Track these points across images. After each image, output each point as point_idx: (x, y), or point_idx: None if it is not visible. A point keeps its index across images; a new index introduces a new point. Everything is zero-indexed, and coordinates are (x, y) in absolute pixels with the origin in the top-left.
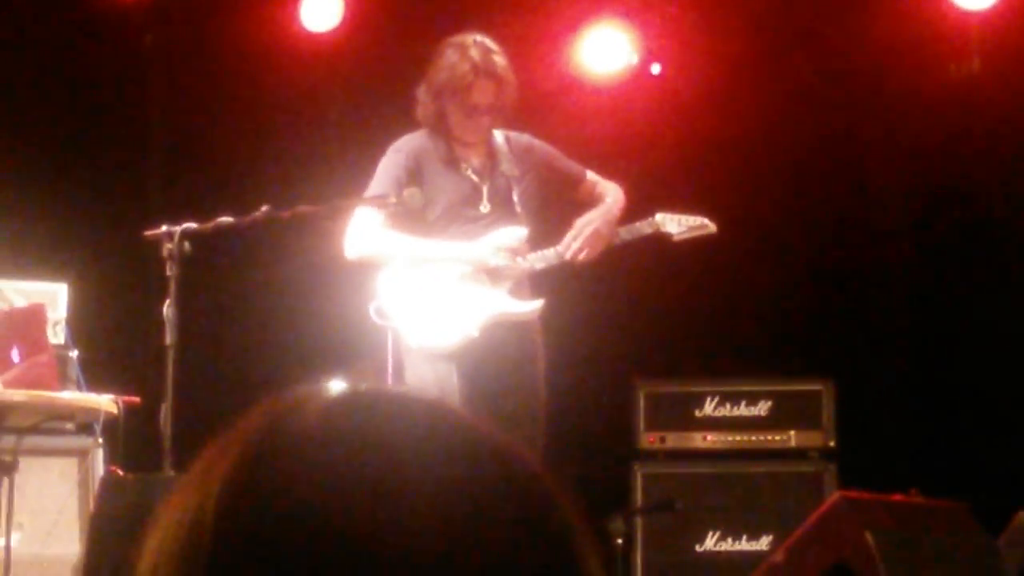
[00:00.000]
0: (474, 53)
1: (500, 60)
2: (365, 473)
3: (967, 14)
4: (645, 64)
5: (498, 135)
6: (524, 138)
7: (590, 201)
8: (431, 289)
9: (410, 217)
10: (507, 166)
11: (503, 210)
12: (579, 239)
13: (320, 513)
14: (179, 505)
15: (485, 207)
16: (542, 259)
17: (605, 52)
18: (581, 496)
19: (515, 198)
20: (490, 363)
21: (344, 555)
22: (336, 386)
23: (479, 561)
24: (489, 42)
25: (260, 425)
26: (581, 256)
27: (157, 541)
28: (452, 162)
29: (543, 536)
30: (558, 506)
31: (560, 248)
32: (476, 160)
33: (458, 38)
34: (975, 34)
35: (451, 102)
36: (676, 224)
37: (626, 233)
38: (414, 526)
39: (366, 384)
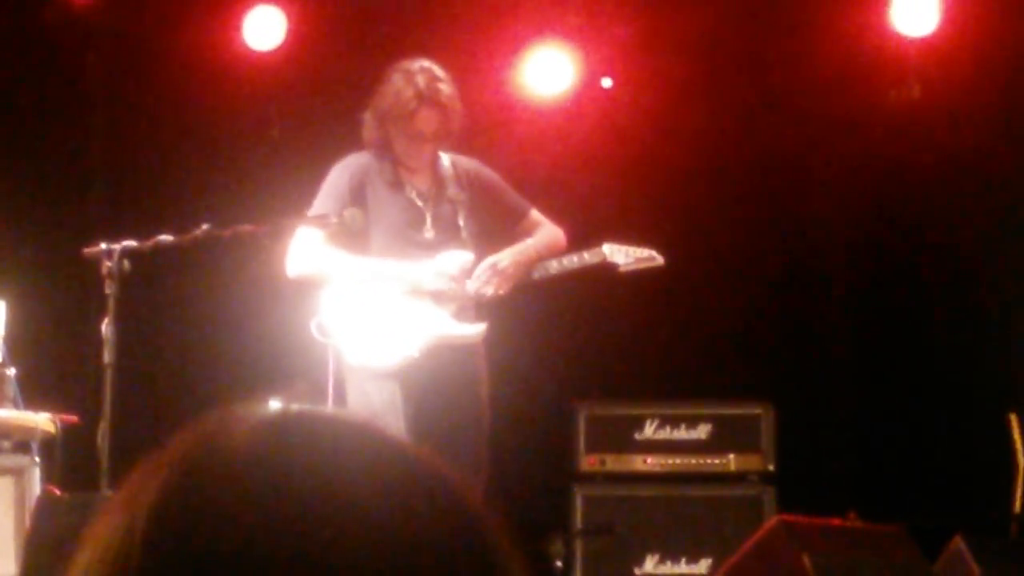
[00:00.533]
0: (419, 80)
1: (446, 88)
2: (293, 496)
3: (908, 40)
4: (590, 84)
5: (444, 159)
6: (472, 164)
7: (528, 238)
8: (373, 307)
9: (352, 237)
10: (453, 190)
11: (448, 235)
12: (485, 276)
13: (247, 536)
14: (107, 526)
15: (429, 232)
16: (471, 286)
17: (549, 73)
18: (521, 518)
19: (460, 222)
20: (433, 384)
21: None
22: (267, 406)
23: None
24: (436, 69)
25: (188, 446)
26: (488, 292)
27: (84, 562)
28: (397, 185)
29: (474, 564)
30: (490, 534)
31: (469, 283)
32: (421, 184)
33: (405, 64)
34: (915, 60)
35: (395, 127)
36: (623, 255)
37: (569, 263)
38: (341, 551)
39: (297, 405)
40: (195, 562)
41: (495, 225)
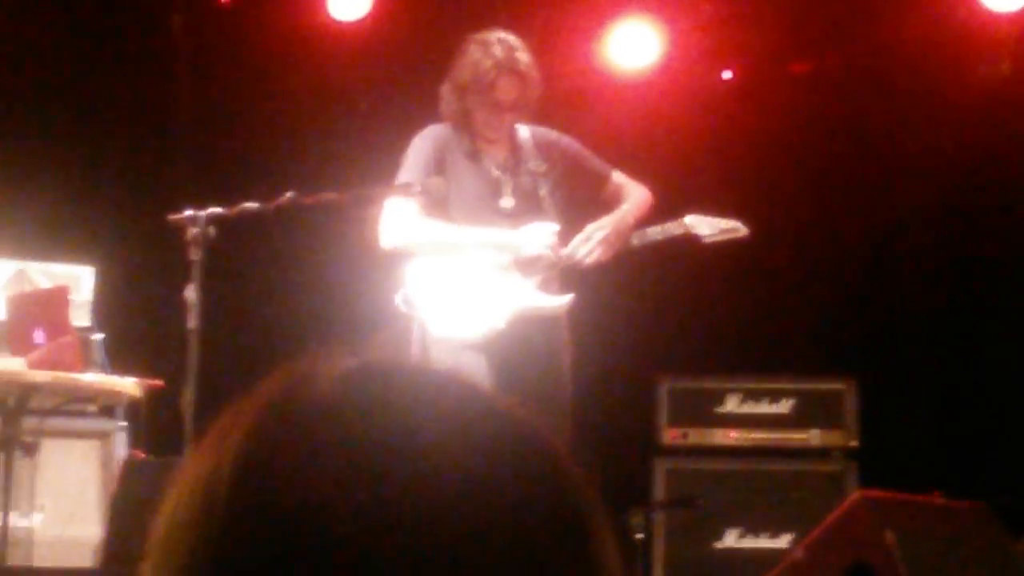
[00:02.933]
0: (497, 50)
1: (523, 57)
2: (378, 443)
3: (997, 16)
4: (675, 57)
5: (523, 130)
6: (551, 134)
7: (615, 202)
8: (459, 279)
9: (435, 207)
10: (533, 162)
11: (528, 205)
12: (588, 244)
13: (330, 482)
14: (194, 469)
15: (508, 202)
16: (563, 257)
17: (632, 47)
18: (602, 490)
19: (542, 193)
20: (517, 356)
21: (355, 523)
22: (354, 355)
23: (493, 534)
24: (512, 39)
25: (275, 392)
26: (588, 260)
27: (171, 507)
28: (475, 156)
29: (560, 514)
30: (577, 486)
31: (568, 251)
32: (500, 156)
33: (481, 35)
34: (1005, 36)
35: (475, 99)
36: (707, 227)
37: (655, 233)
38: (425, 499)
39: (382, 355)
40: (279, 505)
41: (579, 192)
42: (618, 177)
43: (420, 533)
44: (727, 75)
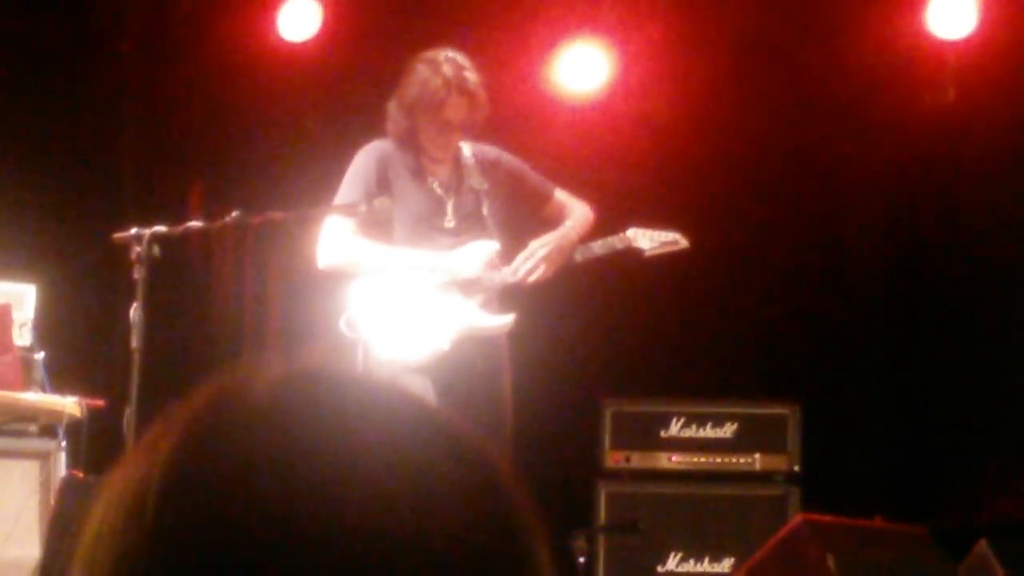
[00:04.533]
0: (446, 69)
1: (472, 76)
2: (311, 449)
3: (943, 44)
4: (622, 81)
5: (465, 148)
6: (492, 151)
7: (557, 219)
8: (402, 301)
9: (377, 226)
10: (475, 180)
11: (470, 223)
12: (530, 261)
13: (263, 488)
14: (124, 476)
15: (450, 222)
16: (509, 274)
17: (581, 69)
18: (545, 513)
19: (484, 211)
20: (461, 378)
21: (286, 532)
22: (288, 362)
23: (428, 543)
24: (461, 58)
25: (208, 398)
26: (531, 278)
27: (99, 514)
28: (419, 175)
29: (495, 523)
30: (513, 495)
31: (510, 268)
32: (443, 174)
33: (430, 53)
34: (951, 64)
35: (423, 118)
36: (648, 239)
37: (597, 248)
38: (359, 506)
39: (317, 362)
40: (209, 513)
41: (521, 209)
42: (560, 195)
43: (354, 543)
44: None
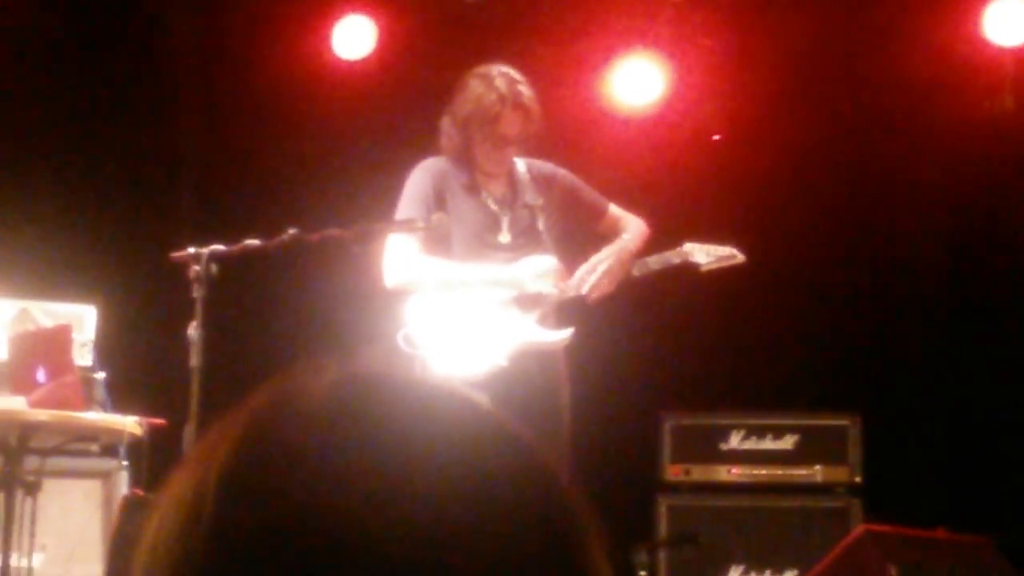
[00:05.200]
0: (500, 84)
1: (526, 91)
2: (368, 453)
3: (1000, 51)
4: (679, 95)
5: (520, 164)
6: (547, 166)
7: (612, 234)
8: (460, 317)
9: (437, 243)
10: (530, 196)
11: (526, 239)
12: (592, 275)
13: (321, 492)
14: (181, 481)
15: (505, 237)
16: (568, 289)
17: (636, 83)
18: (605, 527)
19: (540, 227)
20: (518, 393)
21: (344, 537)
22: (346, 365)
23: (484, 546)
24: (514, 72)
25: (263, 404)
26: (594, 293)
27: (156, 521)
28: (473, 191)
29: (552, 528)
30: (571, 501)
31: (572, 283)
32: (497, 190)
33: (483, 68)
34: (1009, 71)
35: (478, 133)
36: (704, 254)
37: (654, 263)
38: (417, 508)
39: (374, 365)
40: (266, 518)
41: (576, 225)
42: (615, 210)
43: (409, 545)
44: (716, 137)
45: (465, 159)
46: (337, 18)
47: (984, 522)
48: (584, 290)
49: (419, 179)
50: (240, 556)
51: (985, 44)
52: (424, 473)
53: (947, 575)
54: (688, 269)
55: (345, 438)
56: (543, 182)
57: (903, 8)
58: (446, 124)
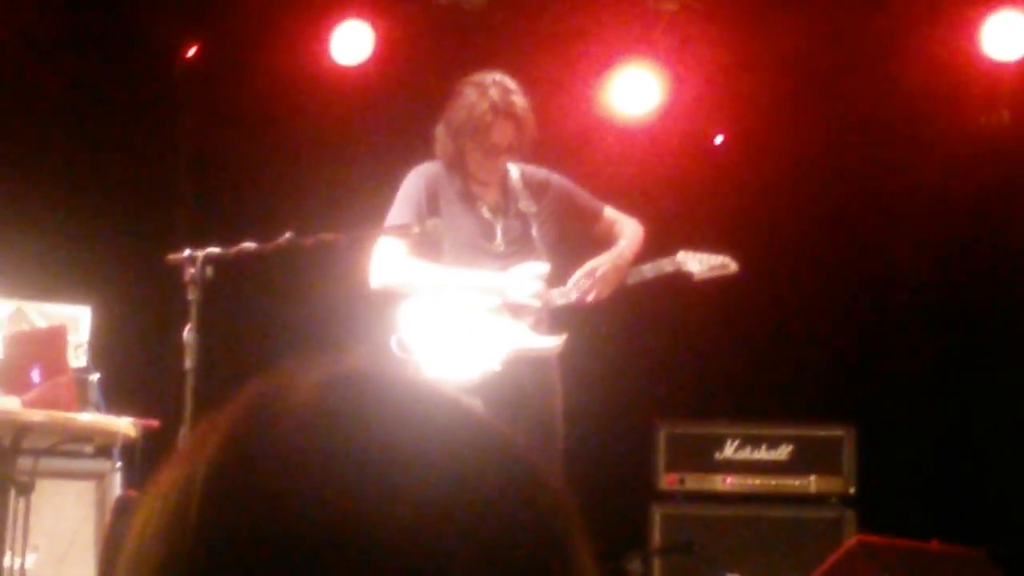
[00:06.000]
0: (493, 93)
1: (519, 100)
2: (356, 451)
3: (998, 65)
4: (675, 104)
5: (513, 170)
6: (540, 172)
7: (607, 238)
8: (453, 321)
9: (428, 248)
10: (524, 203)
11: (520, 246)
12: (587, 280)
13: (308, 488)
14: (168, 479)
15: (499, 246)
16: (561, 295)
17: (633, 92)
18: (599, 535)
19: (534, 234)
20: (510, 398)
21: (330, 536)
22: (334, 364)
23: (470, 546)
24: (508, 81)
25: (251, 401)
26: (588, 298)
27: (144, 516)
28: (467, 198)
29: (539, 530)
30: (558, 502)
31: (567, 288)
32: (491, 198)
33: (476, 77)
34: (1005, 86)
35: (470, 141)
36: (697, 263)
37: (647, 271)
38: (405, 507)
39: (362, 364)
40: (253, 515)
41: (572, 229)
42: (610, 212)
43: (395, 545)
44: (719, 140)
45: (458, 167)
46: (335, 23)
47: (977, 533)
48: (574, 297)
49: (413, 183)
50: (226, 554)
51: (982, 58)
52: (411, 474)
53: None
54: (681, 278)
55: (332, 437)
56: (537, 188)
57: (901, 21)
58: (440, 132)
